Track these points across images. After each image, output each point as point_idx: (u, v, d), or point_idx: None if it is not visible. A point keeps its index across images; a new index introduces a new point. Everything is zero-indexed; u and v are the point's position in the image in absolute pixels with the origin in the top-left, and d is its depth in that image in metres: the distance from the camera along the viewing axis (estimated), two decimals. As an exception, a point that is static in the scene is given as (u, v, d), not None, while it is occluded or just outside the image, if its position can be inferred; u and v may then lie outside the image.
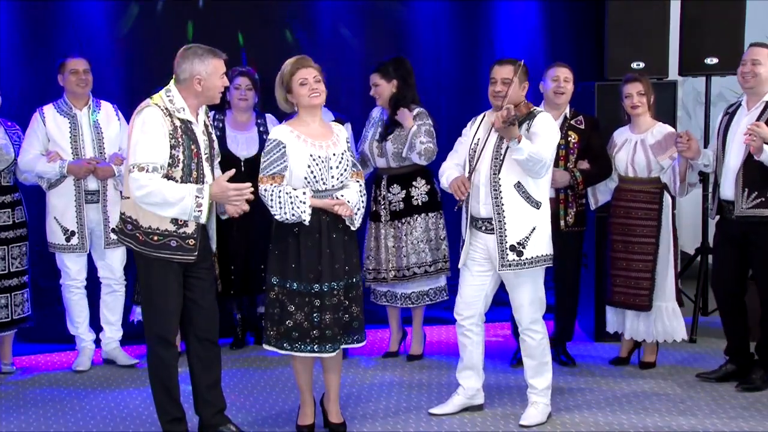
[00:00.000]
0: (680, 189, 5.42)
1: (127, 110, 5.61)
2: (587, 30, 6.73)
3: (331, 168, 4.50)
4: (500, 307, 5.75)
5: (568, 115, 5.51)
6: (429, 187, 5.69)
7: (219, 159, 4.58)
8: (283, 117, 4.75)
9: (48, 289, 6.00)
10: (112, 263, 5.74)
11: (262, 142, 5.54)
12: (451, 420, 4.89)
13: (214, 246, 4.58)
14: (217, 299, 5.83)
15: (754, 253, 5.17)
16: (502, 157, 4.61)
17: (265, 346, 4.61)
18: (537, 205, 4.64)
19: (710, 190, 5.51)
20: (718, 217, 5.35)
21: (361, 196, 4.60)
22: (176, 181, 4.24)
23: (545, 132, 4.59)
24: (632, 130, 5.54)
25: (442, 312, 6.26)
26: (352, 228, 4.55)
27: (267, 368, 5.75)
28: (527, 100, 4.73)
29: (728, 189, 5.17)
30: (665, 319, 5.56)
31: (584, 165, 5.46)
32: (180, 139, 4.24)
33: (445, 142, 5.48)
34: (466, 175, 4.74)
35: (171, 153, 4.22)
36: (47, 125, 5.55)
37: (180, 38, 4.93)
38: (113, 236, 5.37)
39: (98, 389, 5.44)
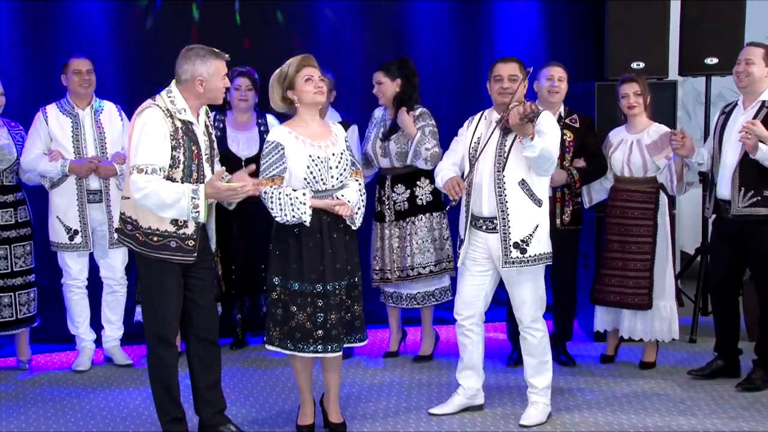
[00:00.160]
0: (678, 188, 5.43)
1: (127, 110, 5.63)
2: (587, 30, 6.73)
3: (331, 168, 4.50)
4: (501, 306, 5.77)
5: (562, 114, 5.52)
6: (433, 186, 5.68)
7: (218, 159, 4.58)
8: (284, 117, 4.75)
9: (49, 288, 6.00)
10: (114, 263, 5.75)
11: (263, 142, 5.52)
12: (451, 420, 4.89)
13: (213, 246, 4.58)
14: (221, 299, 5.91)
15: (751, 252, 5.18)
16: (506, 155, 4.61)
17: (268, 347, 4.61)
18: (539, 202, 4.66)
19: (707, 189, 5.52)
20: (714, 216, 5.36)
21: (361, 195, 4.60)
22: (177, 182, 4.23)
23: (550, 129, 4.59)
24: (628, 130, 5.55)
25: (442, 312, 6.25)
26: (353, 227, 4.55)
27: (267, 368, 5.75)
28: (533, 99, 4.75)
29: (725, 188, 5.18)
30: (663, 319, 5.57)
31: (580, 163, 5.48)
32: (181, 140, 4.24)
33: (445, 143, 5.46)
34: (466, 173, 4.73)
35: (172, 154, 4.22)
36: (50, 124, 5.56)
37: (180, 38, 4.93)
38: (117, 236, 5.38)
39: (98, 389, 5.44)
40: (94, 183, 5.59)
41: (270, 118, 5.93)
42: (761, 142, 4.91)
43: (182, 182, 4.25)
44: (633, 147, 5.47)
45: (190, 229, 4.30)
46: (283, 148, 4.47)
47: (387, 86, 5.66)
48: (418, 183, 5.67)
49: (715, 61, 6.13)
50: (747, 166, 5.05)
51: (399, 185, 5.70)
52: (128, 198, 4.31)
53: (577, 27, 6.78)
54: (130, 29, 6.31)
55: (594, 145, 5.54)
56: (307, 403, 4.73)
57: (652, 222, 5.48)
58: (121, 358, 5.82)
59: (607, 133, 5.66)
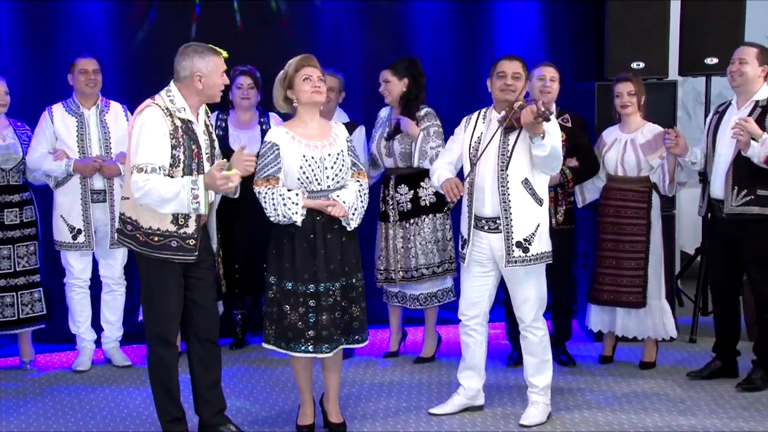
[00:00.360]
0: (669, 187, 5.45)
1: (128, 111, 5.62)
2: (587, 30, 6.73)
3: (326, 168, 4.49)
4: (501, 306, 5.77)
5: (554, 114, 5.52)
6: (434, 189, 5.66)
7: (219, 158, 4.58)
8: (288, 116, 4.75)
9: (53, 288, 6.00)
10: (114, 263, 5.75)
11: (265, 141, 5.55)
12: (451, 420, 4.89)
13: (214, 246, 4.58)
14: (222, 299, 5.92)
15: (745, 251, 5.19)
16: (509, 154, 4.61)
17: (265, 345, 4.62)
18: (540, 201, 4.67)
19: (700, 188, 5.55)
20: (708, 215, 5.39)
21: (361, 195, 4.58)
22: None
23: (554, 128, 4.60)
24: (622, 129, 5.57)
25: (442, 312, 6.24)
26: (348, 228, 4.53)
27: (267, 368, 5.75)
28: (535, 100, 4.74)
29: (718, 187, 5.20)
30: (656, 317, 5.59)
31: (573, 163, 5.49)
32: (181, 139, 4.24)
33: (445, 143, 5.47)
34: (466, 173, 4.73)
35: (172, 153, 4.22)
36: (55, 124, 5.58)
37: (181, 38, 4.92)
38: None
39: (98, 389, 5.44)
40: (98, 183, 5.61)
41: (273, 117, 5.93)
42: (753, 139, 4.94)
43: None
44: (627, 146, 5.49)
45: (191, 228, 4.30)
46: (278, 148, 4.48)
47: (394, 85, 5.64)
48: (421, 184, 5.66)
49: (715, 61, 6.13)
50: (740, 165, 5.07)
51: (402, 186, 5.69)
52: (128, 198, 4.31)
53: (577, 27, 6.78)
54: (130, 29, 6.31)
55: (586, 144, 5.55)
56: (307, 403, 4.73)
57: (646, 221, 5.50)
58: (120, 359, 5.82)
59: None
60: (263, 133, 5.85)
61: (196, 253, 4.32)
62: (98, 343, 5.90)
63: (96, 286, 5.84)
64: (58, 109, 5.62)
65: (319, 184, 4.49)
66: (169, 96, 4.29)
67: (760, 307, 5.22)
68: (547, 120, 4.41)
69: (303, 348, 4.49)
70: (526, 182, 4.61)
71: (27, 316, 5.69)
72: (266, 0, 6.46)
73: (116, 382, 5.56)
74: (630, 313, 5.61)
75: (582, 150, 5.53)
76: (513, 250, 4.64)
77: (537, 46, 6.72)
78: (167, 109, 4.25)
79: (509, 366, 5.70)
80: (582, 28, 6.77)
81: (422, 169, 5.61)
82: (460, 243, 4.85)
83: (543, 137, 4.45)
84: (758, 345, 5.29)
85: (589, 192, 5.68)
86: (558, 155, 4.58)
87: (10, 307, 5.62)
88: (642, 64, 6.05)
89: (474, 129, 4.77)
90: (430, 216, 5.68)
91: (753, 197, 5.08)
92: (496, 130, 4.63)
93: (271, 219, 4.48)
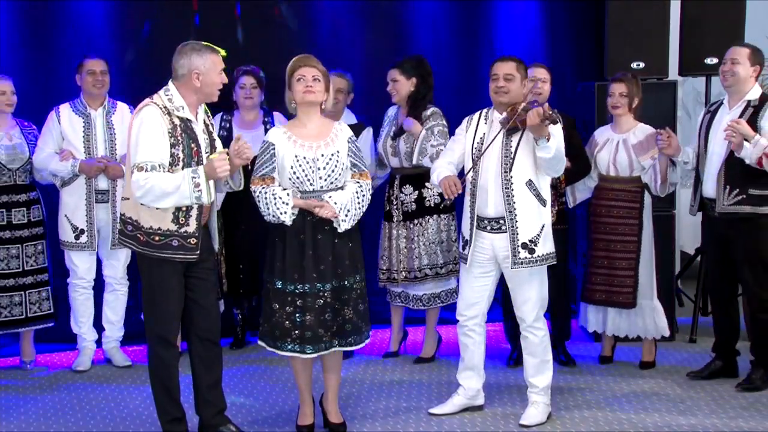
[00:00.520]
0: (661, 188, 5.45)
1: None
2: (587, 30, 6.73)
3: (319, 169, 4.48)
4: (499, 306, 5.77)
5: None
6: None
7: None
8: (292, 115, 4.76)
9: (57, 287, 5.99)
10: (116, 263, 5.76)
11: (269, 141, 5.56)
12: (451, 420, 4.89)
13: (216, 246, 4.58)
14: (224, 298, 5.92)
15: (736, 249, 5.21)
16: (512, 155, 4.60)
17: (259, 341, 4.66)
18: (544, 202, 4.67)
19: (690, 187, 5.57)
20: (700, 214, 5.42)
21: (358, 197, 4.54)
22: None
23: (557, 131, 4.59)
24: (614, 129, 5.58)
25: (443, 312, 6.24)
26: (339, 229, 4.50)
27: (267, 368, 5.75)
28: (538, 101, 4.73)
29: (710, 187, 5.22)
30: (647, 317, 5.59)
31: (565, 163, 5.47)
32: (179, 138, 4.24)
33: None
34: (470, 174, 4.73)
35: (171, 152, 4.22)
36: (62, 124, 5.60)
37: (180, 38, 4.91)
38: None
39: (98, 389, 5.44)
40: (102, 183, 5.62)
41: (278, 117, 5.93)
42: (746, 140, 4.95)
43: None
44: (619, 146, 5.50)
45: (192, 227, 4.30)
46: (273, 148, 4.51)
47: (402, 84, 5.63)
48: (426, 184, 5.63)
49: (715, 61, 6.12)
50: (732, 164, 5.09)
51: (407, 186, 5.68)
52: (128, 199, 4.31)
53: (577, 27, 6.77)
54: (130, 29, 6.31)
55: (578, 145, 5.55)
56: (307, 403, 4.73)
57: (638, 221, 5.51)
58: (120, 359, 5.82)
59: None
60: (267, 132, 5.85)
61: (198, 252, 4.32)
62: (99, 342, 5.90)
63: (99, 285, 5.84)
64: (65, 109, 5.64)
65: (311, 184, 4.49)
66: (167, 95, 4.30)
67: (752, 306, 5.23)
68: (555, 123, 4.41)
69: (289, 347, 4.51)
70: (530, 183, 4.61)
71: (35, 314, 5.71)
72: (267, 0, 6.46)
73: (116, 382, 5.56)
74: (621, 313, 5.63)
75: (573, 150, 5.51)
76: (519, 252, 4.64)
77: (537, 46, 6.72)
78: (165, 107, 4.25)
79: (509, 366, 5.70)
80: (582, 28, 6.76)
81: (427, 170, 5.58)
82: (461, 244, 4.85)
83: (548, 139, 4.45)
84: (755, 345, 5.30)
85: (579, 192, 5.69)
86: (562, 157, 4.58)
87: (18, 306, 5.64)
88: (642, 64, 6.05)
89: (476, 129, 4.77)
90: (435, 217, 5.67)
91: (745, 196, 5.10)
92: (499, 131, 4.63)
93: (265, 218, 4.51)
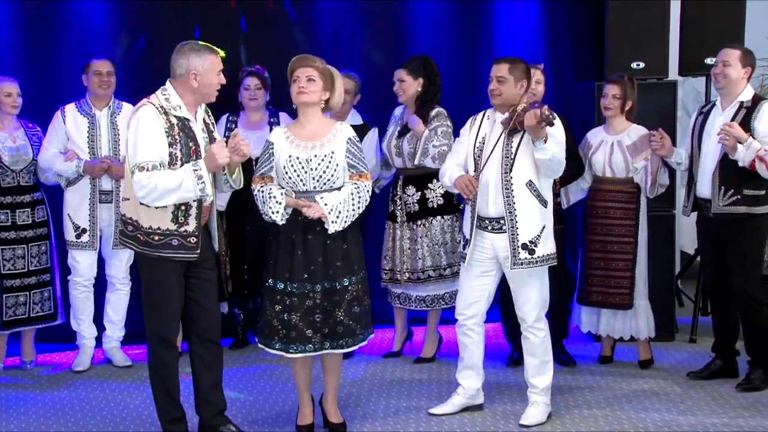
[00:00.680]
0: (650, 189, 5.47)
1: (126, 111, 5.63)
2: (587, 30, 6.72)
3: (312, 169, 4.48)
4: (497, 306, 5.77)
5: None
6: (445, 189, 5.63)
7: None
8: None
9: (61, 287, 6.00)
10: (119, 263, 5.77)
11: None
12: (451, 420, 4.89)
13: (217, 246, 4.58)
14: (227, 300, 5.92)
15: (729, 248, 5.22)
16: (513, 156, 4.61)
17: (256, 339, 4.70)
18: (545, 203, 4.66)
19: (684, 188, 5.58)
20: (694, 214, 5.44)
21: (353, 199, 4.50)
22: None
23: (558, 132, 4.59)
24: (607, 130, 5.59)
25: (443, 312, 6.23)
26: (329, 231, 4.47)
27: (267, 368, 5.75)
28: (540, 101, 4.73)
29: (705, 187, 5.24)
30: (640, 317, 5.60)
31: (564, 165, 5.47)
32: (177, 137, 4.24)
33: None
34: (472, 174, 4.73)
35: (169, 151, 4.22)
36: (67, 124, 5.62)
37: (181, 39, 4.91)
38: None
39: (98, 389, 5.44)
40: (106, 183, 5.64)
41: (284, 117, 5.93)
42: (739, 143, 4.97)
43: None
44: (614, 148, 5.50)
45: (191, 226, 4.30)
46: (272, 147, 4.53)
47: (409, 84, 5.62)
48: (429, 185, 5.63)
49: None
50: (727, 165, 5.11)
51: (410, 186, 5.67)
52: (128, 199, 4.31)
53: (577, 27, 6.77)
54: (130, 29, 6.30)
55: (571, 145, 5.53)
56: (306, 403, 4.73)
57: (634, 221, 5.52)
58: (120, 359, 5.82)
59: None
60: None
61: (198, 251, 4.32)
62: (99, 341, 5.90)
63: (101, 285, 5.84)
64: (70, 109, 5.66)
65: (303, 184, 4.49)
66: (164, 94, 4.30)
67: (742, 304, 5.22)
68: (551, 124, 4.41)
69: (277, 346, 4.54)
70: (530, 184, 4.61)
71: (37, 314, 5.72)
72: (266, 0, 6.46)
73: (116, 382, 5.56)
74: (616, 314, 5.63)
75: (567, 151, 5.50)
76: (519, 252, 4.64)
77: (537, 46, 6.72)
78: (162, 107, 4.25)
79: (509, 366, 5.70)
80: (582, 28, 6.76)
81: (430, 171, 5.57)
82: (462, 243, 4.85)
83: (545, 141, 4.45)
84: (750, 345, 5.30)
85: (573, 193, 5.69)
86: (560, 159, 4.57)
87: (23, 306, 5.65)
88: (642, 64, 6.05)
89: (478, 130, 4.77)
90: (438, 218, 5.65)
91: (740, 197, 5.12)
92: (501, 133, 4.64)
93: (263, 216, 4.53)
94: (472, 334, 4.89)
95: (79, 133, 5.62)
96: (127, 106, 5.75)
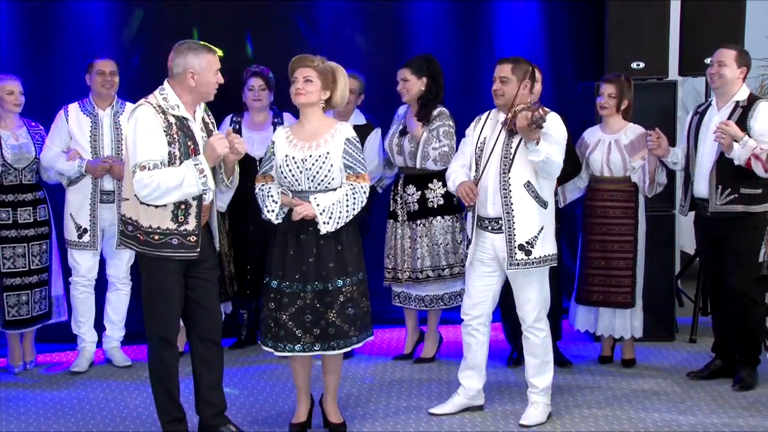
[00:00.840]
0: (649, 188, 5.48)
1: (126, 111, 5.63)
2: (587, 30, 6.73)
3: (307, 169, 4.47)
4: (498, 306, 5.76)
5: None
6: (445, 189, 5.60)
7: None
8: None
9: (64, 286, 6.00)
10: (119, 263, 5.78)
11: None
12: (451, 420, 4.89)
13: (217, 246, 4.58)
14: (230, 300, 5.92)
15: (726, 247, 5.23)
16: (512, 156, 4.61)
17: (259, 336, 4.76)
18: (544, 204, 4.65)
19: (681, 188, 5.58)
20: (692, 214, 5.45)
21: (347, 200, 4.47)
22: None
23: (556, 133, 4.59)
24: (603, 130, 5.59)
25: (444, 312, 6.24)
26: (321, 232, 4.46)
27: (267, 368, 5.75)
28: (539, 102, 4.73)
29: (702, 187, 5.26)
30: (636, 316, 5.61)
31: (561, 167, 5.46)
32: (175, 136, 4.24)
33: (456, 145, 5.48)
34: (473, 175, 4.73)
35: (168, 150, 4.21)
36: (69, 123, 5.63)
37: (181, 39, 4.91)
38: None
39: (98, 389, 5.44)
40: (107, 183, 5.64)
41: (287, 117, 5.93)
42: (735, 141, 4.99)
43: None
44: (611, 147, 5.51)
45: (191, 225, 4.30)
46: (273, 147, 4.55)
47: (412, 84, 5.61)
48: (429, 185, 5.63)
49: (715, 60, 6.13)
50: (724, 164, 5.13)
51: (410, 186, 5.67)
52: (128, 199, 4.31)
53: (577, 27, 6.77)
54: (129, 29, 6.30)
55: (568, 144, 5.53)
56: (302, 402, 4.73)
57: (633, 220, 5.53)
58: (120, 359, 5.83)
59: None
60: None
61: (198, 250, 4.32)
62: (99, 343, 5.90)
63: (102, 285, 5.85)
64: (73, 109, 5.67)
65: (298, 184, 4.49)
66: (162, 94, 4.30)
67: (738, 302, 5.21)
68: (540, 127, 4.40)
69: (271, 344, 4.57)
70: (528, 185, 4.61)
71: (38, 313, 5.73)
72: (267, 0, 6.46)
73: (116, 382, 5.56)
74: (615, 313, 5.63)
75: (565, 150, 5.50)
76: (516, 253, 4.63)
77: (537, 46, 6.72)
78: (159, 106, 4.25)
79: (509, 366, 5.70)
80: (582, 28, 6.76)
81: (431, 171, 5.58)
82: (465, 242, 4.86)
83: (537, 143, 4.45)
84: (741, 343, 5.31)
85: (570, 192, 5.69)
86: (555, 161, 4.54)
87: (25, 305, 5.66)
88: (642, 64, 6.05)
89: (482, 129, 4.78)
90: (439, 218, 5.65)
91: (737, 195, 5.14)
92: (500, 133, 4.64)
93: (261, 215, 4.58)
94: (477, 334, 4.88)
95: (82, 132, 5.62)
96: (130, 106, 5.74)
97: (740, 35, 6.06)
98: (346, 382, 5.39)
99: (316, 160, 4.47)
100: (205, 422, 4.56)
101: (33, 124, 5.75)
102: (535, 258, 4.65)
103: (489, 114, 4.83)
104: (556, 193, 5.61)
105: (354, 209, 4.50)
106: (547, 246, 4.68)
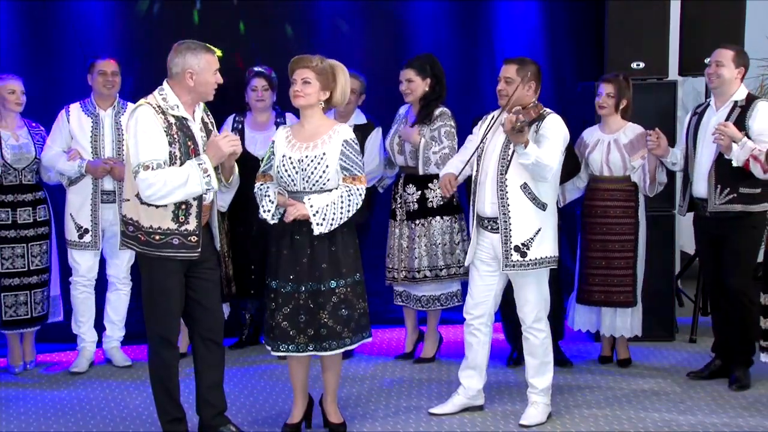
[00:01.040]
0: (650, 188, 5.48)
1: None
2: (587, 30, 6.72)
3: (303, 170, 4.47)
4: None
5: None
6: None
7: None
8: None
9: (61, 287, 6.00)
10: (119, 263, 5.78)
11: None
12: (451, 420, 4.89)
13: (218, 245, 4.58)
14: (230, 300, 5.91)
15: (725, 246, 5.24)
16: (509, 158, 4.60)
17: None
18: (543, 206, 4.64)
19: (680, 188, 5.59)
20: (690, 214, 5.46)
21: (342, 201, 4.45)
22: None
23: (553, 135, 4.59)
24: (602, 129, 5.59)
25: (444, 312, 6.24)
26: (315, 233, 4.44)
27: (267, 368, 5.75)
28: (538, 102, 4.72)
29: (701, 187, 5.27)
30: (636, 315, 5.61)
31: (553, 170, 5.45)
32: (175, 136, 4.24)
33: (458, 145, 5.48)
34: (473, 173, 4.75)
35: (168, 150, 4.22)
36: (71, 123, 5.63)
37: (181, 39, 4.92)
38: None
39: (98, 389, 5.44)
40: (108, 184, 5.64)
41: (290, 117, 5.93)
42: (734, 142, 4.99)
43: None
44: (611, 147, 5.51)
45: (192, 225, 4.30)
46: (273, 146, 4.56)
47: (417, 84, 5.60)
48: (429, 185, 5.62)
49: (715, 60, 6.13)
50: (722, 164, 5.13)
51: (410, 185, 5.67)
52: (128, 200, 4.31)
53: (577, 27, 6.77)
54: (130, 29, 6.31)
55: (568, 145, 5.54)
56: (297, 404, 4.73)
57: (634, 219, 5.53)
58: (120, 359, 5.83)
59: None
60: None
61: (198, 250, 4.32)
62: (99, 343, 5.90)
63: (102, 285, 5.85)
64: (75, 109, 5.67)
65: (294, 185, 4.49)
66: (161, 94, 4.30)
67: (736, 302, 5.22)
68: (520, 131, 4.38)
69: (270, 343, 4.61)
70: (524, 187, 4.60)
71: (38, 314, 5.72)
72: (266, 0, 6.46)
73: (116, 382, 5.56)
74: (616, 312, 5.63)
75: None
76: (511, 254, 4.63)
77: (537, 46, 6.71)
78: (159, 107, 4.25)
79: (509, 366, 5.70)
80: (582, 28, 6.76)
81: (432, 172, 5.58)
82: (463, 243, 4.86)
83: (526, 146, 4.44)
84: (740, 342, 5.31)
85: (569, 192, 5.69)
86: (546, 165, 4.50)
87: (24, 305, 5.65)
88: (642, 64, 6.05)
89: (486, 129, 4.78)
90: (438, 218, 5.65)
91: (736, 195, 5.15)
92: (497, 133, 4.64)
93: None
94: (478, 334, 4.88)
95: (83, 132, 5.62)
96: (131, 107, 5.73)
97: (740, 35, 6.06)
98: (346, 382, 5.39)
99: (312, 161, 4.47)
100: (205, 422, 4.56)
101: (34, 124, 5.75)
102: (530, 260, 4.64)
103: (495, 113, 4.82)
104: None
105: (349, 211, 4.49)
106: (544, 248, 4.67)
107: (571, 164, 5.51)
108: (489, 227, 4.72)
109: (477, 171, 4.73)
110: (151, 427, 4.82)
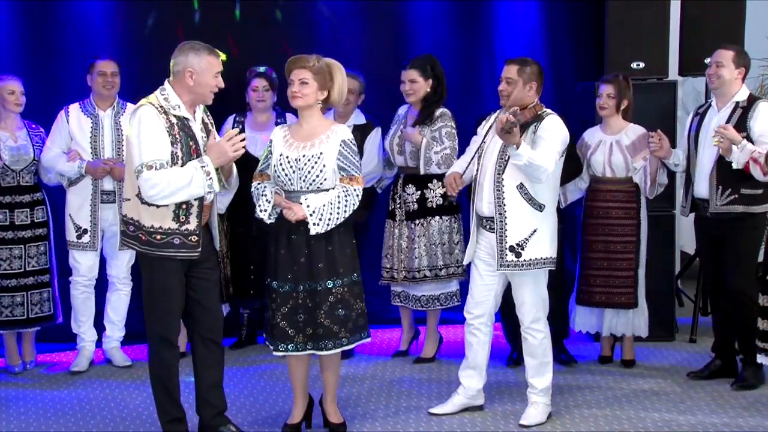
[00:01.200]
0: (650, 190, 5.48)
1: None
2: (587, 30, 6.72)
3: (300, 169, 4.47)
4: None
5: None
6: (445, 190, 5.60)
7: None
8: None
9: (63, 287, 6.00)
10: (119, 263, 5.78)
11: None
12: (451, 420, 4.89)
13: (218, 245, 4.58)
14: (229, 301, 5.91)
15: (726, 246, 5.24)
16: (506, 158, 4.60)
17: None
18: (540, 207, 4.64)
19: (682, 188, 5.59)
20: (692, 215, 5.46)
21: (339, 202, 4.45)
22: None
23: (550, 136, 4.58)
24: (604, 130, 5.58)
25: (444, 312, 6.24)
26: (311, 233, 4.44)
27: (267, 368, 5.75)
28: (539, 102, 4.72)
29: (703, 187, 5.27)
30: (641, 315, 5.61)
31: (547, 172, 5.45)
32: (177, 136, 4.25)
33: (459, 145, 5.48)
34: (474, 173, 4.75)
35: (170, 150, 4.22)
36: (70, 124, 5.63)
37: (181, 39, 4.93)
38: None
39: (98, 389, 5.44)
40: (107, 184, 5.64)
41: (290, 117, 5.93)
42: (734, 144, 4.99)
43: None
44: (613, 148, 5.50)
45: (192, 225, 4.31)
46: (271, 145, 4.56)
47: (420, 85, 5.61)
48: (429, 185, 5.63)
49: (715, 61, 6.13)
50: (724, 165, 5.13)
51: (410, 185, 5.67)
52: (129, 200, 4.31)
53: (577, 27, 6.77)
54: (130, 29, 6.31)
55: (570, 145, 5.53)
56: (297, 403, 4.73)
57: (636, 221, 5.53)
58: (120, 359, 5.83)
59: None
60: None
61: (199, 250, 4.32)
62: (99, 343, 5.90)
63: (102, 285, 5.85)
64: (74, 109, 5.67)
65: (291, 184, 4.49)
66: (163, 94, 4.30)
67: (737, 302, 5.22)
68: (509, 132, 4.38)
69: (269, 341, 4.64)
70: (521, 187, 4.60)
71: (36, 315, 5.72)
72: (266, 0, 6.45)
73: (116, 382, 5.56)
74: (618, 313, 5.63)
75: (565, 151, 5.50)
76: (506, 254, 4.63)
77: (537, 46, 6.71)
78: (161, 107, 4.25)
79: (509, 366, 5.70)
80: (582, 28, 6.76)
81: (432, 172, 5.57)
82: (463, 242, 4.86)
83: (517, 147, 4.44)
84: (742, 342, 5.31)
85: (571, 193, 5.69)
86: (539, 166, 4.48)
87: (20, 306, 5.65)
88: (642, 64, 6.05)
89: (488, 129, 4.78)
90: (437, 218, 5.65)
91: (737, 196, 5.15)
92: (488, 132, 4.66)
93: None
94: (479, 333, 4.88)
95: (83, 133, 5.62)
96: (131, 107, 5.74)
97: (740, 35, 6.06)
98: (346, 382, 5.39)
99: (309, 160, 4.47)
100: (205, 422, 4.56)
101: (34, 126, 5.75)
102: (525, 260, 4.64)
103: (498, 113, 4.82)
104: None
105: (346, 211, 4.48)
106: (540, 249, 4.66)
107: (573, 165, 5.51)
108: (487, 226, 4.72)
109: (478, 170, 4.74)
110: (151, 427, 4.82)
